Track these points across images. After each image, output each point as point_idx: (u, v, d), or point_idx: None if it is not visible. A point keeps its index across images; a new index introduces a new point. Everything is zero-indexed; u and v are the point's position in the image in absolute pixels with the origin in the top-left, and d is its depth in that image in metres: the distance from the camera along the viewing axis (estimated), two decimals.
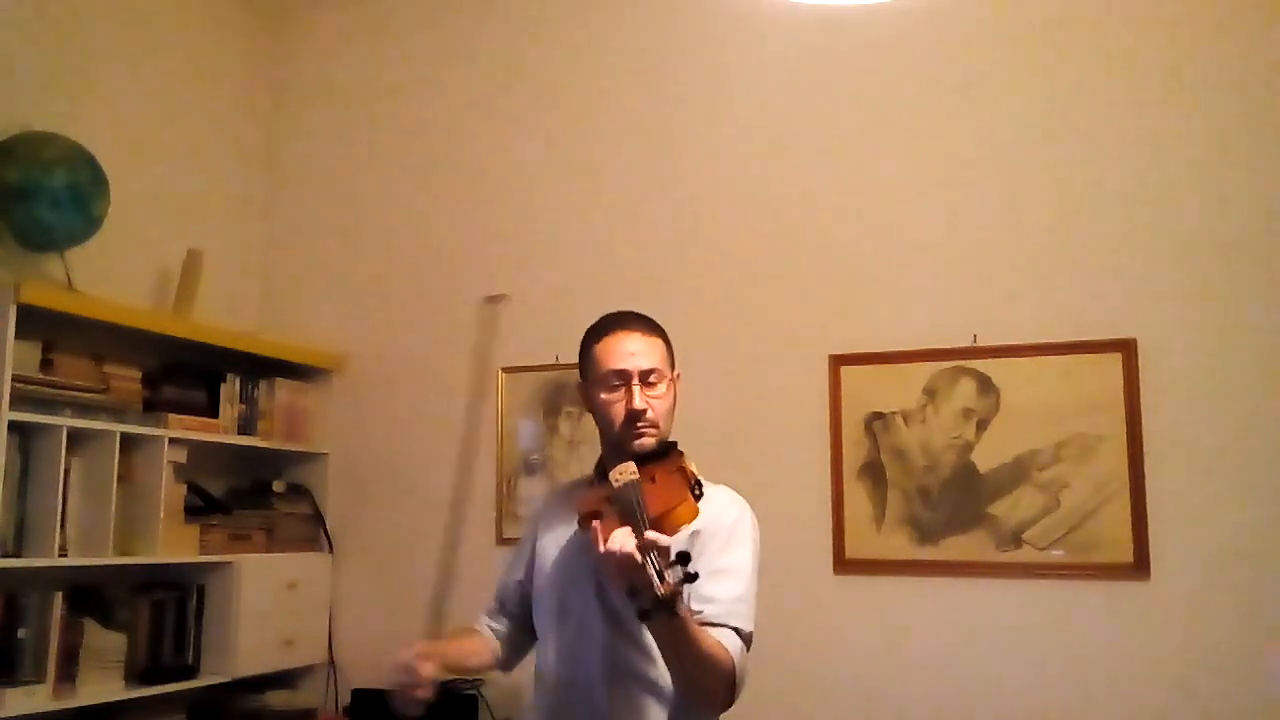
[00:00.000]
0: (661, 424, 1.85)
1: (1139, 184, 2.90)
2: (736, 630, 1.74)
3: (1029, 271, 2.97)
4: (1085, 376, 2.87)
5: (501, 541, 3.40)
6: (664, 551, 1.52)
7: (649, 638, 1.73)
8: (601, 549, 1.58)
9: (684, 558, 1.51)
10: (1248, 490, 2.72)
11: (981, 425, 2.96)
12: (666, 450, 1.83)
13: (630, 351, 1.85)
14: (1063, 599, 2.83)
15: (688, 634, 1.61)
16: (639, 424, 1.82)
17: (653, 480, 1.73)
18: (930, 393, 3.02)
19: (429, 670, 1.74)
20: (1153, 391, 2.81)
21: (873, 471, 3.05)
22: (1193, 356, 2.80)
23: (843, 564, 3.04)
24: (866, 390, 3.07)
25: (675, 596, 1.47)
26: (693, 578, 1.50)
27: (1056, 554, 2.84)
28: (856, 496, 3.05)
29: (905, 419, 3.03)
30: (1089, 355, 2.87)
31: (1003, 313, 2.97)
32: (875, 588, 3.01)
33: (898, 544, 2.99)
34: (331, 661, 3.55)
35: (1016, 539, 2.88)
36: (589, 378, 1.90)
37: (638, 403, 1.82)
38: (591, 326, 1.94)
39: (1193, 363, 2.79)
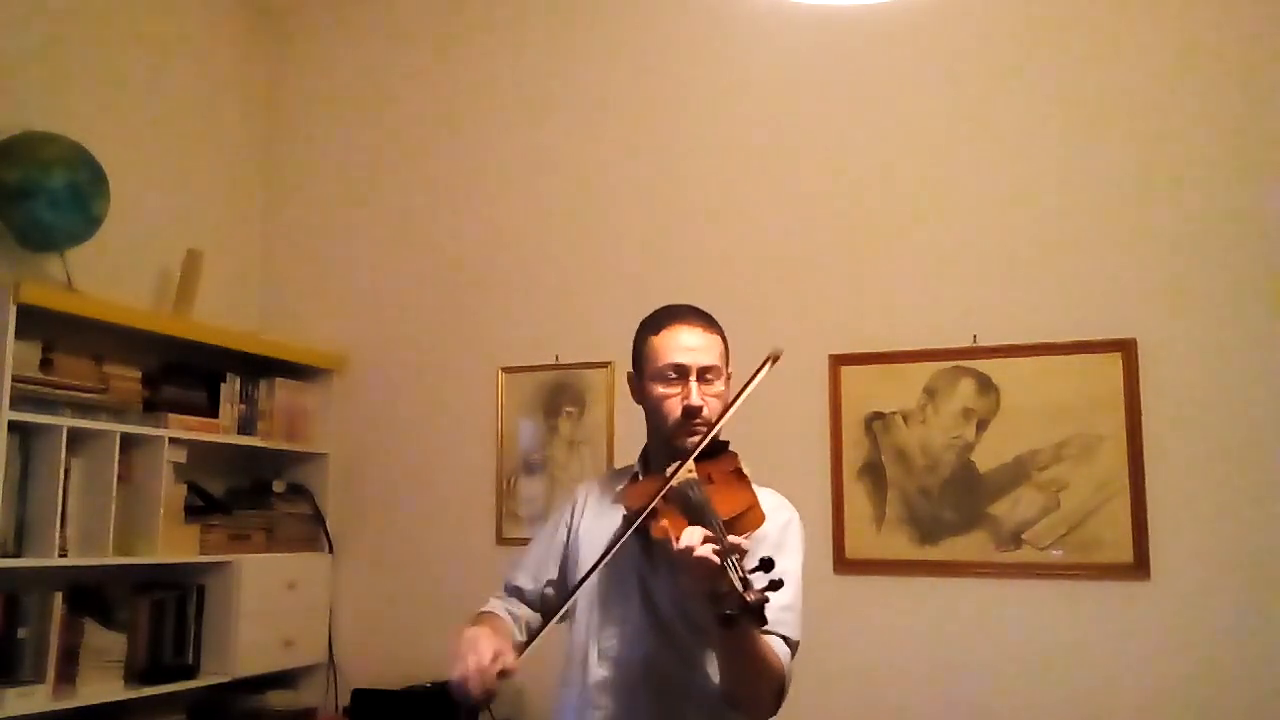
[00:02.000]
0: (714, 422, 1.79)
1: (1139, 184, 2.90)
2: (785, 639, 1.71)
3: (1029, 271, 2.97)
4: (1085, 376, 2.86)
5: (501, 541, 3.40)
6: (743, 554, 1.48)
7: (690, 643, 1.71)
8: (676, 548, 1.52)
9: (768, 564, 1.46)
10: (1248, 490, 2.72)
11: (981, 425, 2.96)
12: (720, 449, 1.80)
13: (690, 346, 1.81)
14: (1063, 599, 2.83)
15: (755, 641, 1.58)
16: (696, 420, 1.77)
17: (710, 480, 1.70)
18: (930, 393, 3.02)
19: (510, 664, 1.65)
20: (1153, 391, 2.81)
21: (873, 471, 3.05)
22: (1193, 356, 2.80)
23: (843, 564, 3.04)
24: (866, 390, 3.07)
25: (763, 603, 1.43)
26: (778, 585, 1.45)
27: (1056, 554, 2.84)
28: (856, 496, 3.05)
29: (905, 419, 3.03)
30: (1089, 355, 2.87)
31: (1003, 313, 2.97)
32: (875, 588, 3.01)
33: (898, 544, 2.99)
34: (331, 661, 3.55)
35: (1016, 539, 2.88)
36: (644, 370, 1.85)
37: (695, 399, 1.77)
38: (649, 317, 1.89)
39: (1193, 363, 2.79)
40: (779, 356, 1.74)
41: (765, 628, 1.65)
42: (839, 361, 3.10)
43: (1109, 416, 2.83)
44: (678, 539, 1.52)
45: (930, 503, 2.98)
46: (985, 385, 2.97)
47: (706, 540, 1.50)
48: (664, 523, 1.58)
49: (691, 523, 1.56)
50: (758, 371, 1.73)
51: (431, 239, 3.68)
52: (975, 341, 2.98)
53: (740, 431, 3.10)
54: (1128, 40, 2.96)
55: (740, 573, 1.45)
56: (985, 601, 2.90)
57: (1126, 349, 2.84)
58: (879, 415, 3.06)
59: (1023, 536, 2.88)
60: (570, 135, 3.53)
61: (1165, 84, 2.91)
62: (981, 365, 2.97)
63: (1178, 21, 2.92)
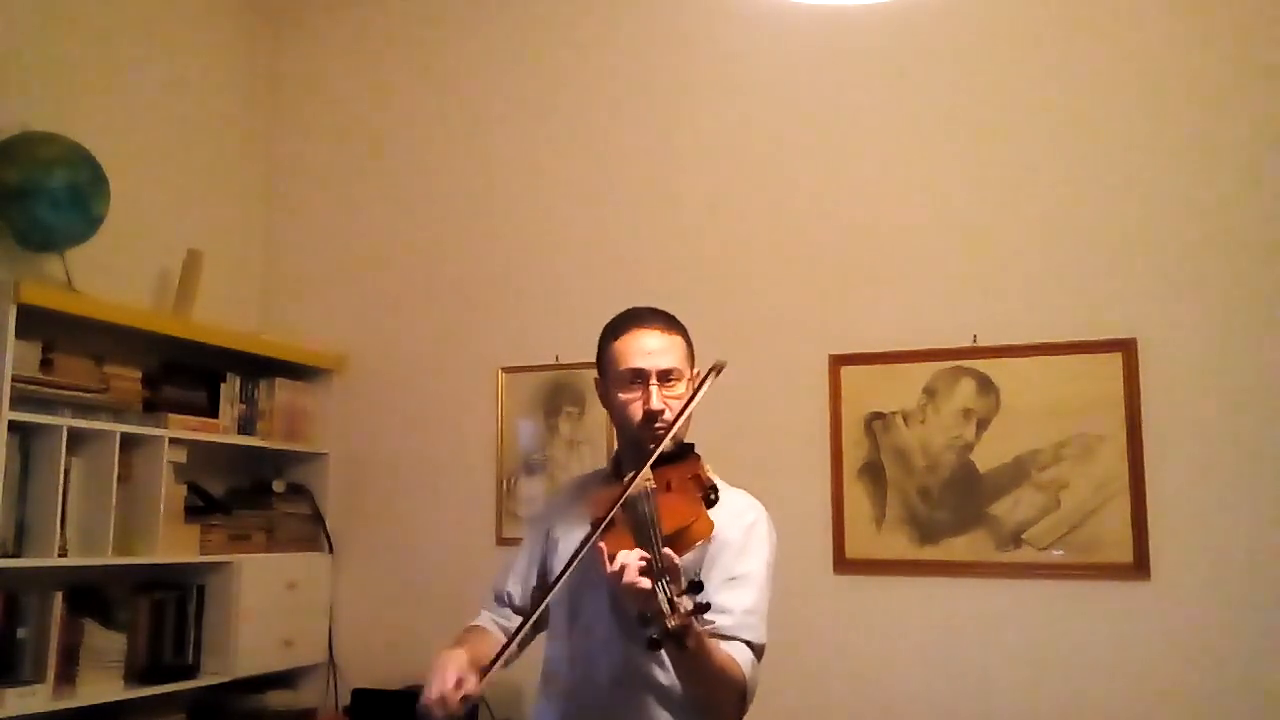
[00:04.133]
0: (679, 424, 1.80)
1: (1139, 184, 2.90)
2: (748, 644, 1.72)
3: (1029, 271, 2.97)
4: (1085, 376, 2.86)
5: (501, 541, 3.40)
6: (676, 577, 1.49)
7: None
8: (608, 570, 1.54)
9: (696, 587, 1.47)
10: (1248, 490, 2.72)
11: (981, 425, 2.96)
12: (683, 453, 1.80)
13: (649, 350, 1.81)
14: (1063, 599, 2.83)
15: (700, 655, 1.59)
16: (656, 424, 1.78)
17: (668, 488, 1.70)
18: (930, 393, 3.02)
19: (471, 688, 1.69)
20: (1153, 391, 2.81)
21: (873, 471, 3.05)
22: (1193, 356, 2.80)
23: (843, 564, 3.04)
24: (866, 390, 3.07)
25: (686, 629, 1.44)
26: (704, 608, 1.46)
27: (1056, 554, 2.84)
28: (856, 496, 3.05)
29: (905, 419, 3.03)
30: (1089, 355, 2.87)
31: (1003, 313, 2.97)
32: (875, 588, 3.01)
33: (898, 544, 2.99)
34: (331, 661, 3.55)
35: (1016, 539, 2.88)
36: (607, 374, 1.87)
37: (655, 403, 1.78)
38: (610, 322, 1.90)
39: (1193, 363, 2.79)
40: (723, 367, 1.75)
41: (726, 633, 1.69)
42: (839, 361, 3.10)
43: (1109, 416, 2.83)
44: (613, 558, 1.54)
45: (930, 503, 2.98)
46: (985, 385, 2.97)
47: (641, 560, 1.51)
48: (601, 545, 1.59)
49: (637, 535, 1.57)
50: (701, 382, 1.75)
51: (431, 239, 3.68)
52: (975, 341, 2.98)
53: (740, 432, 3.12)
54: (1128, 40, 2.96)
55: (668, 594, 1.46)
56: (985, 601, 2.90)
57: (1126, 349, 2.84)
58: (879, 415, 3.06)
59: (1023, 536, 2.88)
60: (571, 135, 3.53)
61: (1165, 84, 2.91)
62: (981, 365, 2.97)
63: (1178, 22, 2.91)
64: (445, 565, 3.46)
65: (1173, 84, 2.90)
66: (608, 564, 1.55)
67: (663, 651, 1.67)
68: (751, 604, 1.75)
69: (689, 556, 1.62)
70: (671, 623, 1.43)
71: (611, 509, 1.65)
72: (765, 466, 3.06)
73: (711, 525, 1.66)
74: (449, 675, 1.68)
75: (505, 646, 1.75)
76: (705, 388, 1.75)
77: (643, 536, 1.57)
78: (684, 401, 1.78)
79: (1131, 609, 2.76)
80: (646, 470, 1.67)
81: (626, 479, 1.68)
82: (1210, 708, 2.67)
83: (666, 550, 1.53)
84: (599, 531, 1.64)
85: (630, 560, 1.52)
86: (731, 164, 3.32)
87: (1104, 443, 2.83)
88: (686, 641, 1.46)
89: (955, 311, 3.01)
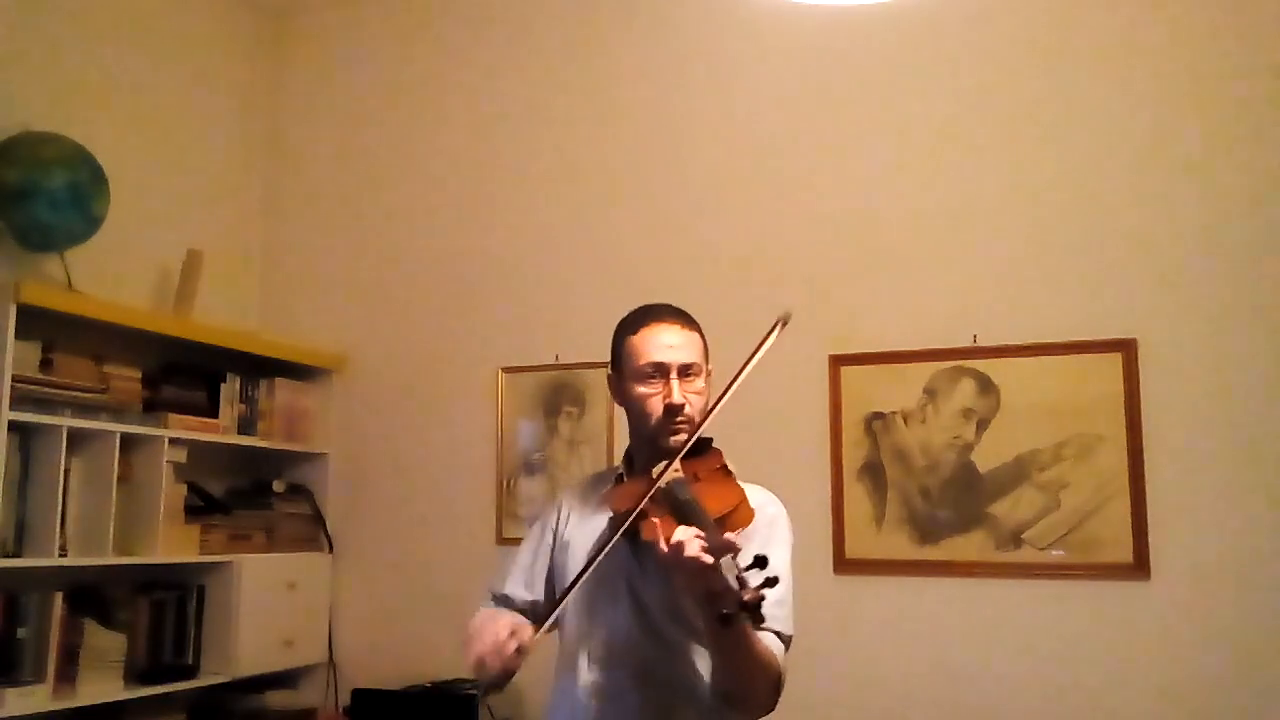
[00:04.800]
0: (697, 419, 1.80)
1: (1139, 184, 2.90)
2: (779, 634, 1.72)
3: (1029, 271, 2.97)
4: (1085, 376, 2.86)
5: (501, 541, 3.40)
6: (737, 552, 1.47)
7: (681, 645, 1.71)
8: (665, 549, 1.51)
9: (762, 561, 1.45)
10: (1248, 490, 2.72)
11: (981, 425, 2.96)
12: (705, 446, 1.79)
13: (669, 344, 1.81)
14: (1063, 599, 2.83)
15: (751, 639, 1.58)
16: (677, 419, 1.77)
17: (697, 478, 1.69)
18: (930, 393, 3.02)
19: (526, 639, 1.65)
20: (1153, 391, 2.81)
21: (873, 471, 3.05)
22: (1193, 356, 2.80)
23: (843, 564, 3.04)
24: (866, 390, 3.07)
25: (760, 601, 1.42)
26: (773, 582, 1.44)
27: (1056, 554, 2.84)
28: (856, 496, 3.05)
29: (905, 419, 3.03)
30: (1089, 355, 2.87)
31: (1003, 313, 2.97)
32: (875, 588, 3.01)
33: (898, 544, 2.99)
34: (331, 661, 3.55)
35: (1016, 539, 2.88)
36: (623, 370, 1.85)
37: (677, 397, 1.77)
38: (626, 317, 1.89)
39: (1193, 363, 2.79)
40: (788, 319, 1.73)
41: (760, 624, 1.65)
42: (839, 361, 3.10)
43: (1109, 416, 2.83)
44: (668, 540, 1.51)
45: (930, 503, 2.98)
46: (985, 385, 2.97)
47: (697, 540, 1.49)
48: (654, 523, 1.57)
49: (680, 523, 1.55)
50: (768, 335, 1.73)
51: (431, 239, 3.68)
52: (975, 341, 2.98)
53: (741, 431, 3.10)
54: (1128, 40, 2.96)
55: (735, 570, 1.44)
56: (985, 601, 2.90)
57: (1126, 349, 2.84)
58: (879, 415, 3.06)
59: (1023, 536, 2.88)
60: (571, 135, 3.53)
61: (1165, 84, 2.91)
62: (981, 365, 2.97)
63: (1177, 23, 2.91)
64: (445, 565, 3.46)
65: (1173, 84, 2.90)
66: (664, 544, 1.51)
67: (683, 646, 1.66)
68: (781, 595, 1.72)
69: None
70: (746, 596, 1.41)
71: (641, 500, 1.63)
72: (765, 466, 3.02)
73: (753, 512, 1.65)
74: (500, 626, 1.65)
75: (559, 601, 1.71)
76: (771, 340, 1.73)
77: (689, 520, 1.55)
78: (745, 360, 1.74)
79: (1131, 609, 2.76)
80: (676, 462, 1.66)
81: (656, 470, 1.66)
82: (1210, 707, 2.67)
83: (722, 530, 1.51)
84: (630, 520, 1.61)
85: (688, 535, 1.50)
86: (731, 164, 3.32)
87: (1104, 443, 2.83)
88: (761, 615, 1.43)
89: (955, 311, 3.01)
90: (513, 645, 1.63)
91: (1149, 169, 2.90)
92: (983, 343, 2.97)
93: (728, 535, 1.50)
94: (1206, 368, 2.78)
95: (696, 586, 1.50)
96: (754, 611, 1.42)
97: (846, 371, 3.09)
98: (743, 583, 1.43)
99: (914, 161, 3.13)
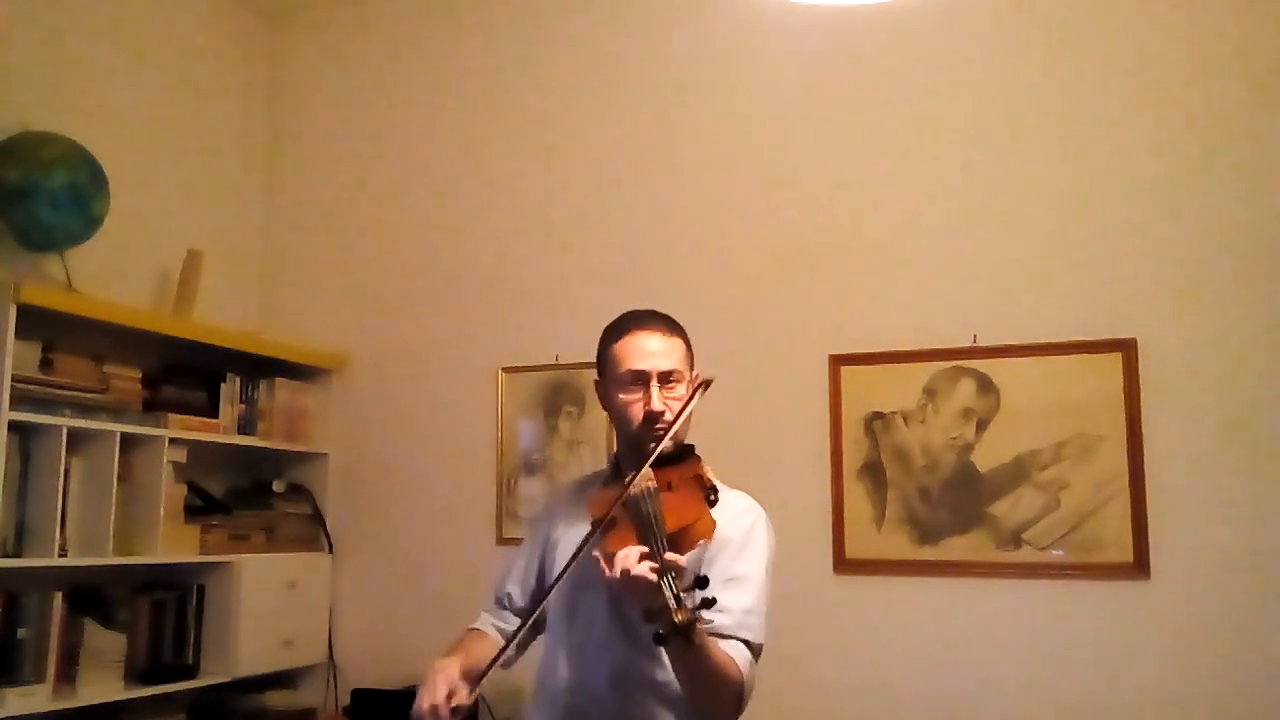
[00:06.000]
0: (679, 425, 1.81)
1: (1139, 184, 2.90)
2: (746, 643, 1.73)
3: (1029, 271, 2.97)
4: (1085, 376, 2.86)
5: (501, 541, 3.40)
6: (681, 573, 1.50)
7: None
8: (613, 569, 1.55)
9: (702, 582, 1.49)
10: (1247, 490, 2.71)
11: (981, 425, 2.96)
12: (684, 454, 1.81)
13: (650, 351, 1.82)
14: (1063, 599, 2.83)
15: (701, 653, 1.59)
16: (657, 425, 1.79)
17: (669, 488, 1.71)
18: (930, 393, 3.01)
19: (463, 699, 1.70)
20: (1153, 391, 2.80)
21: (873, 471, 3.05)
22: (1193, 356, 2.79)
23: (843, 564, 3.04)
24: (866, 390, 3.07)
25: (693, 623, 1.45)
26: (710, 603, 1.48)
27: (1056, 554, 2.84)
28: (856, 496, 3.05)
29: (905, 419, 3.03)
30: (1089, 355, 2.87)
31: (1003, 313, 2.97)
32: (875, 588, 3.01)
33: (898, 544, 2.99)
34: (331, 661, 3.55)
35: (1016, 539, 2.88)
36: (607, 376, 1.88)
37: (656, 404, 1.79)
38: (610, 324, 1.92)
39: (1193, 363, 2.79)
40: (709, 383, 1.80)
41: (725, 632, 1.69)
42: (839, 361, 3.10)
43: (1109, 416, 2.83)
44: (614, 558, 1.55)
45: (930, 503, 2.98)
46: (985, 385, 2.97)
47: (643, 558, 1.52)
48: (619, 535, 1.60)
49: (640, 533, 1.58)
50: (692, 395, 1.80)
51: (432, 239, 3.68)
52: (975, 341, 2.98)
53: (741, 432, 3.12)
54: (1129, 42, 2.96)
55: (673, 590, 1.47)
56: (985, 602, 2.89)
57: (1126, 349, 2.84)
58: (879, 415, 3.06)
59: (1023, 536, 2.88)
60: (570, 135, 3.53)
61: (1165, 84, 2.91)
62: (981, 365, 2.97)
63: (1179, 23, 2.91)
64: (445, 565, 3.46)
65: (1173, 85, 2.90)
66: (606, 564, 1.56)
67: (662, 650, 1.67)
68: (750, 604, 1.75)
69: (689, 556, 1.62)
70: (678, 618, 1.44)
71: (611, 508, 1.66)
72: (765, 466, 3.07)
73: (714, 524, 1.67)
74: (440, 687, 1.70)
75: (499, 653, 1.77)
76: (696, 400, 1.79)
77: (646, 534, 1.58)
78: (682, 403, 1.80)
79: (1131, 609, 2.76)
80: (647, 470, 1.68)
81: (627, 479, 1.68)
82: (1210, 707, 2.67)
83: (669, 548, 1.54)
84: (600, 529, 1.65)
85: (632, 554, 1.53)
86: (732, 164, 3.32)
87: (1104, 443, 2.83)
88: (693, 637, 1.47)
89: (955, 311, 3.01)
90: (448, 707, 1.68)
91: (1150, 169, 2.89)
92: (983, 343, 2.97)
93: (673, 555, 1.53)
94: (1206, 368, 2.78)
95: (636, 603, 1.55)
96: (685, 634, 1.45)
97: (846, 371, 3.09)
98: (679, 603, 1.46)
99: (914, 161, 3.13)
